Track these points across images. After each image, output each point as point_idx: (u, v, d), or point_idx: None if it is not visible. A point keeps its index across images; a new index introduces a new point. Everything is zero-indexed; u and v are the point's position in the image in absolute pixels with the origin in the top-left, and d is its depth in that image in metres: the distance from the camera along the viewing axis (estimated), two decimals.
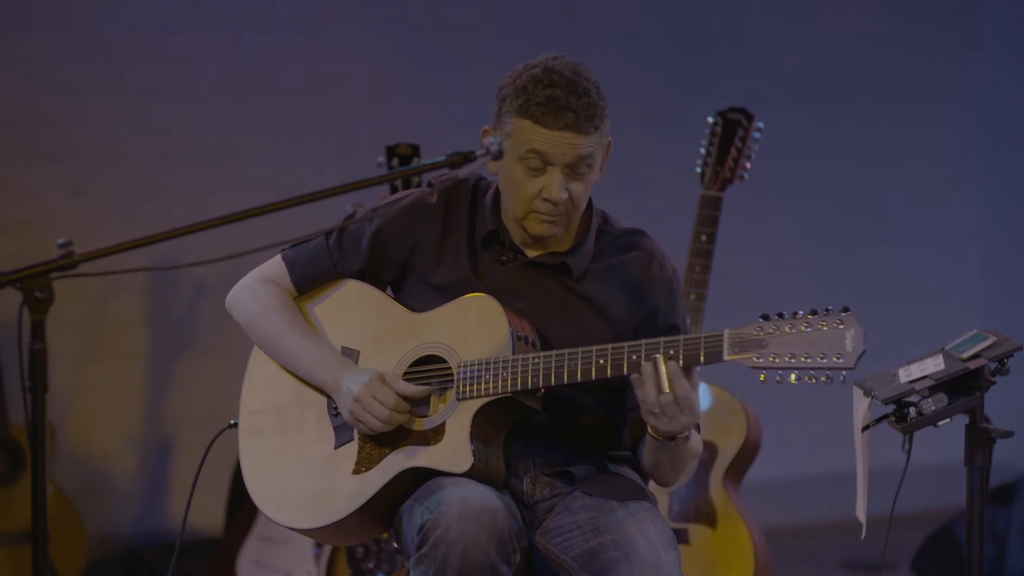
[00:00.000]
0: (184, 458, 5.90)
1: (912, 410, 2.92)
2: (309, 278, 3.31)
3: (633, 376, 2.98)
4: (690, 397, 2.96)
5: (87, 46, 5.77)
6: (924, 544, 5.93)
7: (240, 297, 3.34)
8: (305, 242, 3.33)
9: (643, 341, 3.01)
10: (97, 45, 5.78)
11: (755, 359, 2.91)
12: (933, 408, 2.90)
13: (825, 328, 2.89)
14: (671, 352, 2.98)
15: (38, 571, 2.68)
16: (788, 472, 6.68)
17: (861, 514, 3.01)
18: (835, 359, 2.88)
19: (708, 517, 4.50)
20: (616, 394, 3.21)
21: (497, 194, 3.23)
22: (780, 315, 2.93)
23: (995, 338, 2.93)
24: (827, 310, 2.91)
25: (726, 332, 2.94)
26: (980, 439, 2.94)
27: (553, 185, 3.09)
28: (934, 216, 7.27)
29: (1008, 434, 2.94)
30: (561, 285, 3.21)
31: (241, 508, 5.24)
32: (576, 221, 3.20)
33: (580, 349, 3.03)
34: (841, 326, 2.89)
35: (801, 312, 2.92)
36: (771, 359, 2.91)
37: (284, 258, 3.33)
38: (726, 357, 2.93)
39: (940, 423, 2.92)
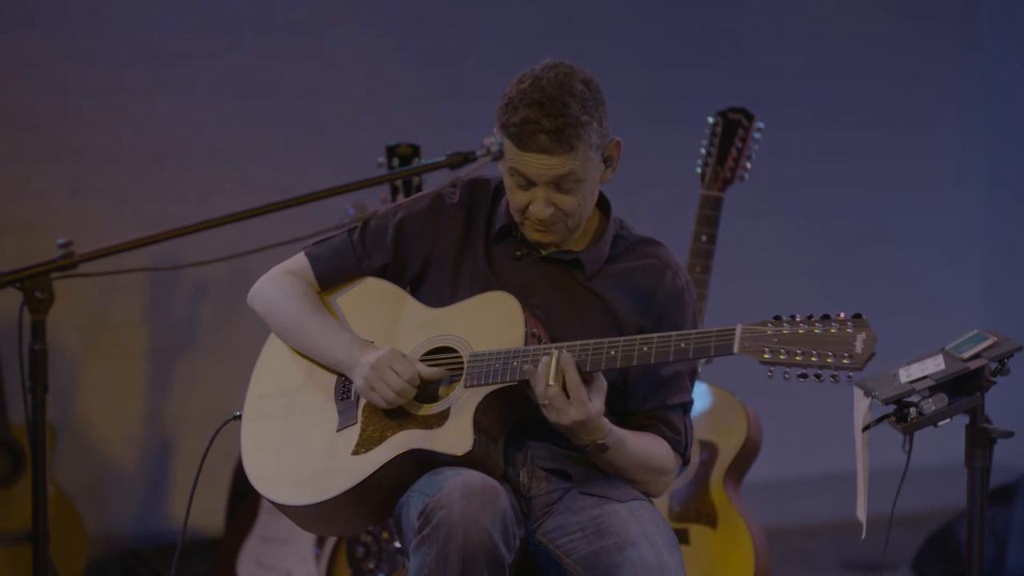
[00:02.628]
0: (184, 458, 5.90)
1: (912, 410, 2.92)
2: (333, 273, 3.33)
3: (527, 367, 3.04)
4: (579, 390, 3.01)
5: (87, 46, 5.77)
6: (924, 544, 5.92)
7: (263, 288, 3.36)
8: (327, 240, 3.35)
9: (655, 334, 3.04)
10: (97, 45, 5.78)
11: (765, 355, 2.93)
12: (933, 408, 2.90)
13: (836, 331, 2.91)
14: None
15: (38, 571, 2.68)
16: (788, 472, 6.68)
17: (861, 514, 3.01)
18: (844, 360, 2.89)
19: (708, 517, 4.50)
20: (617, 392, 3.22)
21: None
22: (793, 316, 2.96)
23: (995, 338, 2.93)
24: (840, 315, 2.93)
25: (739, 327, 2.96)
26: (980, 439, 2.94)
27: (537, 203, 3.14)
28: (934, 216, 7.27)
29: (1008, 434, 2.94)
30: (574, 281, 3.24)
31: (241, 508, 5.24)
32: (579, 229, 3.22)
33: (592, 341, 3.06)
34: (853, 329, 2.91)
35: (815, 315, 2.95)
36: (780, 356, 2.93)
37: (307, 254, 3.36)
38: (736, 350, 2.95)
39: (940, 423, 2.92)
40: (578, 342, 3.06)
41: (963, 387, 2.92)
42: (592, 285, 3.23)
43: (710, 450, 4.53)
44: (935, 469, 5.00)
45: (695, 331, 3.01)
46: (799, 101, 6.89)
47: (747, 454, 4.58)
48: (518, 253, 3.25)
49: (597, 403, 3.04)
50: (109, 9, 5.82)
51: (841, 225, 7.04)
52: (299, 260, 3.36)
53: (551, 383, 3.00)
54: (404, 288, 3.31)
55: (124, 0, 5.84)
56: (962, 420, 2.96)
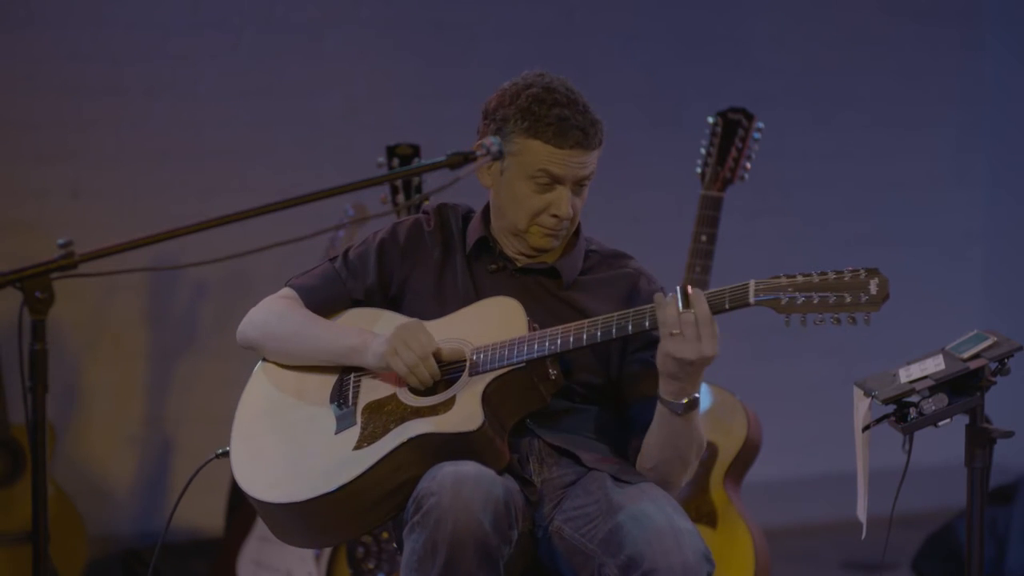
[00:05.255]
0: (184, 458, 5.90)
1: (912, 410, 2.92)
2: (322, 302, 3.33)
3: (656, 295, 3.00)
4: (711, 323, 2.97)
5: (87, 46, 5.77)
6: (924, 544, 5.93)
7: (254, 317, 3.35)
8: (310, 271, 3.37)
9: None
10: (97, 45, 5.78)
11: (781, 302, 2.97)
12: (933, 408, 2.91)
13: (849, 277, 2.98)
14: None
15: (38, 571, 2.68)
16: (788, 472, 6.68)
17: (861, 514, 3.01)
18: (861, 300, 2.95)
19: (708, 517, 4.50)
20: (610, 382, 3.23)
21: (485, 212, 3.30)
22: (804, 272, 3.01)
23: (995, 338, 2.93)
24: (850, 268, 2.99)
25: (752, 281, 2.99)
26: (980, 439, 2.94)
27: (563, 202, 3.18)
28: (934, 216, 7.27)
29: (1008, 434, 2.95)
30: (550, 292, 3.27)
31: (241, 508, 5.24)
32: (570, 235, 3.28)
33: (600, 317, 3.07)
34: (865, 275, 2.98)
35: (827, 269, 3.01)
36: (797, 302, 2.96)
37: (294, 286, 3.36)
38: (752, 301, 2.98)
39: (940, 423, 2.93)
40: (585, 320, 3.08)
41: (963, 387, 2.93)
42: (567, 295, 3.25)
43: (710, 450, 4.53)
44: (935, 469, 5.00)
45: (709, 292, 3.00)
46: (799, 101, 6.89)
47: (747, 454, 4.58)
48: (493, 267, 3.28)
49: (716, 329, 3.01)
50: (109, 9, 5.82)
51: (841, 225, 7.04)
52: (286, 292, 3.36)
53: (684, 309, 2.96)
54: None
55: (124, 0, 5.84)
56: (962, 420, 2.97)
